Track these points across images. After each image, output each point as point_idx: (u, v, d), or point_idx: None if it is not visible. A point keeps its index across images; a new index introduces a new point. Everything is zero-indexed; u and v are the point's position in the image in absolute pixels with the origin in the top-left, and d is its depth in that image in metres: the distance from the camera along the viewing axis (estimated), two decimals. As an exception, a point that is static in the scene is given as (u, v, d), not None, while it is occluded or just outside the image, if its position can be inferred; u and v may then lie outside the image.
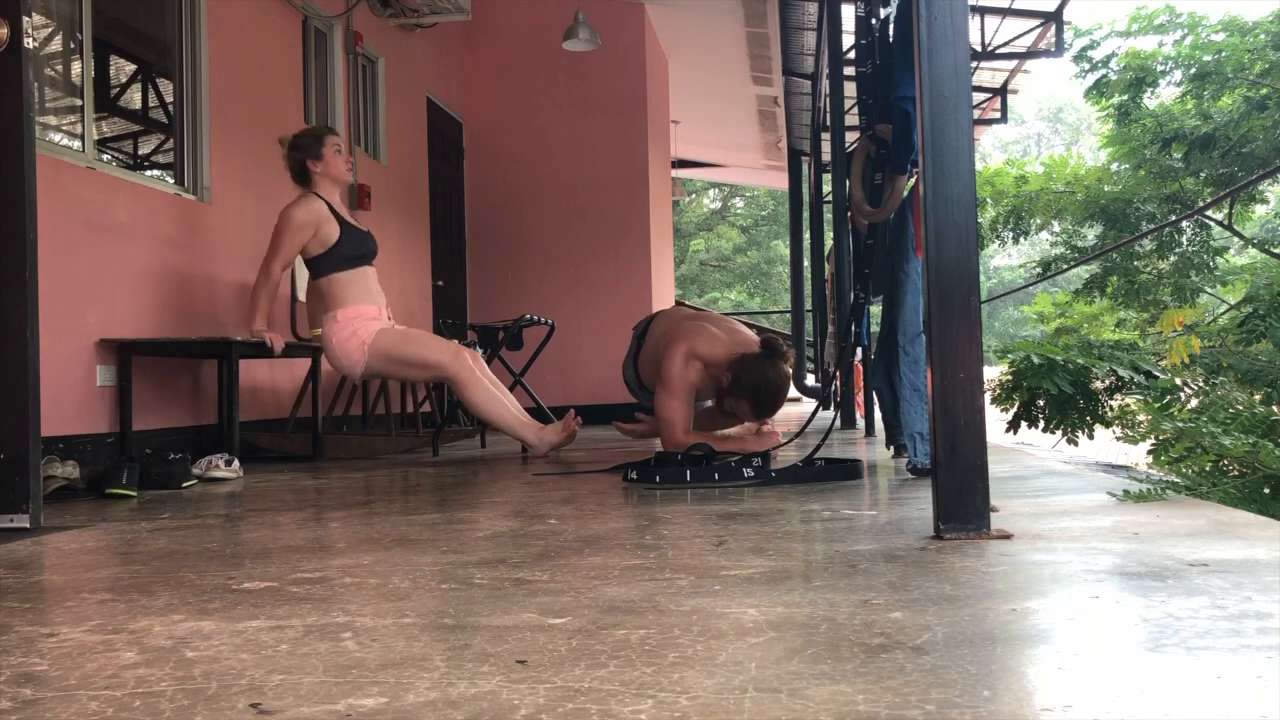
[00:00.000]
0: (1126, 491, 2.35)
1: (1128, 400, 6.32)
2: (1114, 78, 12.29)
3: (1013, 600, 1.38)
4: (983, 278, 9.37)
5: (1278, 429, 3.78)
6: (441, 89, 7.76)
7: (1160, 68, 12.28)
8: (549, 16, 7.89)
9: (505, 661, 1.15)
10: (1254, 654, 1.09)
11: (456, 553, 1.91)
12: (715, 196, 29.85)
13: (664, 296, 8.77)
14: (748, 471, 2.95)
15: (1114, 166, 13.70)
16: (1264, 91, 11.74)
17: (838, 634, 1.22)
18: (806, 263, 11.59)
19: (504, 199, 8.19)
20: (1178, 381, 4.71)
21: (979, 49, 7.80)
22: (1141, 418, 5.16)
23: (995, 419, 4.70)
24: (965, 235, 1.92)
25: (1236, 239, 13.63)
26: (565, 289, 8.10)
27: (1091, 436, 6.59)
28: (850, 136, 5.77)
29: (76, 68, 4.23)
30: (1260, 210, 15.36)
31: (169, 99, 4.89)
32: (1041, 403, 6.55)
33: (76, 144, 4.09)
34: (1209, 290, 12.96)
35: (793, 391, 10.18)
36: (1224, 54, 11.95)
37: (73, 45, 4.22)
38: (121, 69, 5.26)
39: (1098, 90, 12.44)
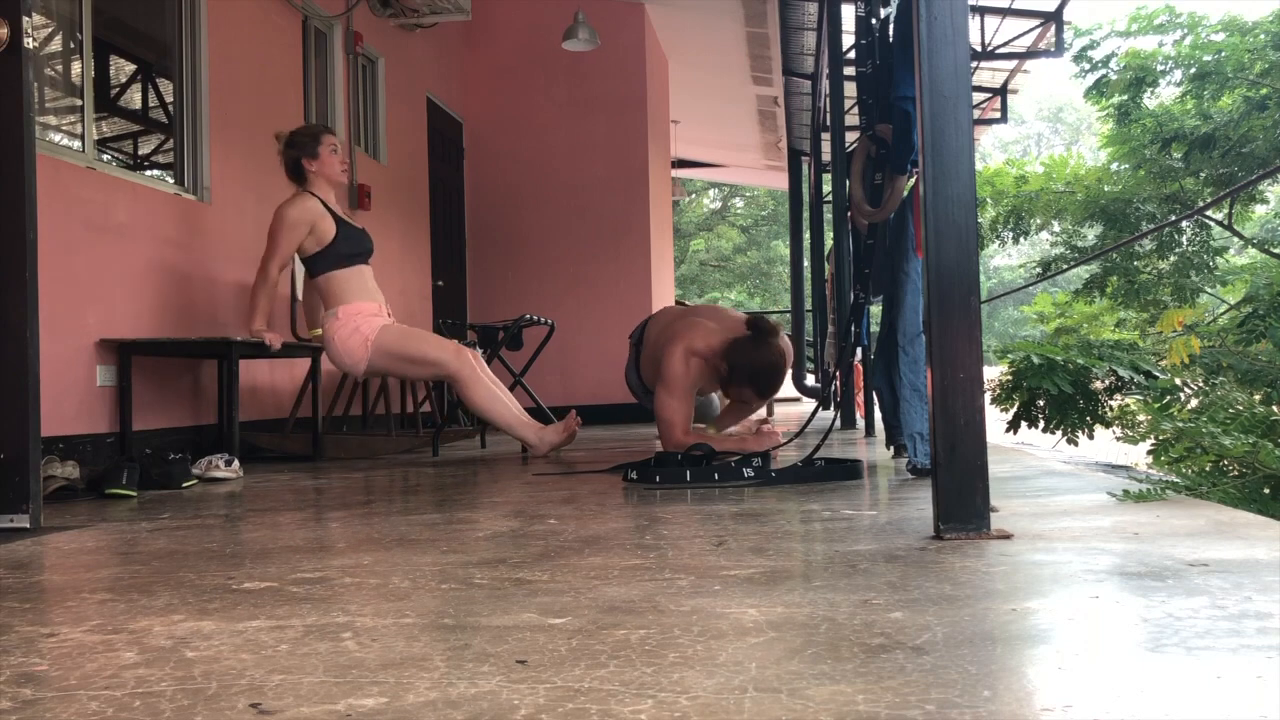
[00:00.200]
0: (1126, 491, 2.35)
1: (1128, 400, 6.33)
2: (1114, 78, 12.29)
3: (1013, 600, 1.38)
4: (983, 278, 9.38)
5: (1278, 429, 3.77)
6: (441, 89, 7.76)
7: (1160, 68, 12.28)
8: (549, 16, 7.89)
9: (505, 661, 1.15)
10: (1254, 654, 1.09)
11: (456, 553, 1.91)
12: (715, 196, 29.85)
13: (664, 296, 8.77)
14: (748, 471, 2.95)
15: (1114, 166, 13.70)
16: (1264, 91, 11.74)
17: (838, 634, 1.22)
18: (806, 263, 11.58)
19: (504, 199, 8.19)
20: (1178, 381, 4.71)
21: (979, 49, 7.80)
22: (1141, 418, 5.16)
23: (995, 419, 4.71)
24: (965, 235, 1.92)
25: (1236, 239, 13.63)
26: (565, 289, 8.10)
27: (1091, 436, 6.59)
28: (850, 136, 5.77)
29: (76, 68, 4.23)
30: (1260, 210, 15.36)
31: (169, 99, 4.89)
32: (1041, 403, 6.56)
33: (76, 144, 4.09)
34: (1209, 290, 12.96)
35: (793, 391, 10.19)
36: (1224, 54, 11.95)
37: (73, 45, 4.22)
38: (121, 69, 5.25)
39: (1098, 90, 12.44)
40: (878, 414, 4.04)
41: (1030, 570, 1.59)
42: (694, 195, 27.53)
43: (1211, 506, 2.24)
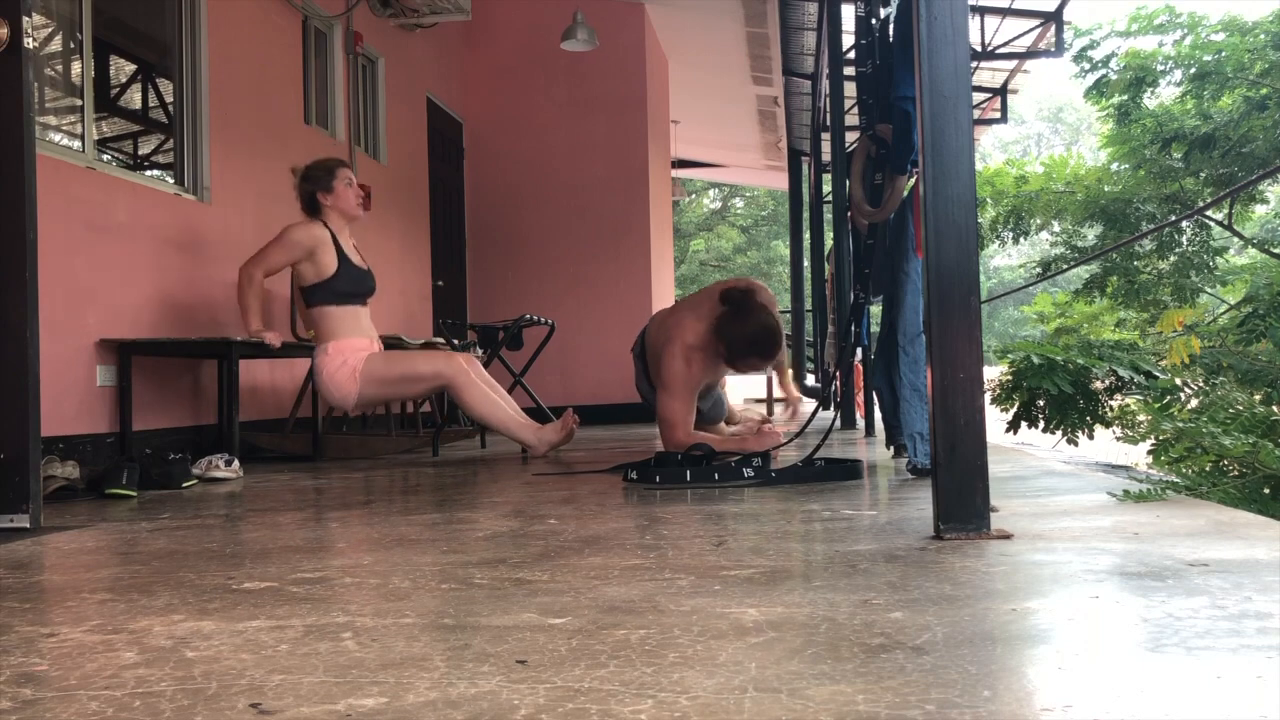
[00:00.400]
0: (1126, 491, 2.35)
1: (1128, 400, 6.33)
2: (1114, 78, 12.29)
3: (1013, 600, 1.38)
4: (983, 278, 9.35)
5: (1278, 429, 3.78)
6: (441, 89, 7.76)
7: (1160, 68, 12.28)
8: (549, 16, 7.89)
9: (505, 661, 1.15)
10: (1254, 654, 1.09)
11: (456, 553, 1.91)
12: (715, 196, 29.87)
13: (664, 296, 8.77)
14: (748, 471, 2.95)
15: (1114, 166, 13.70)
16: (1264, 91, 11.74)
17: (838, 634, 1.22)
18: (806, 263, 11.59)
19: (504, 199, 8.19)
20: (1178, 381, 4.71)
21: (979, 49, 7.81)
22: (1141, 418, 5.16)
23: (995, 419, 4.70)
24: (965, 235, 1.92)
25: (1236, 239, 13.62)
26: (565, 289, 8.10)
27: (1091, 436, 6.59)
28: (850, 136, 5.77)
29: (76, 68, 4.23)
30: (1260, 210, 15.36)
31: (169, 99, 4.89)
32: (1041, 403, 6.56)
33: (76, 144, 4.09)
34: (1209, 290, 12.96)
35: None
36: (1224, 54, 11.94)
37: (73, 45, 4.22)
38: (121, 69, 5.25)
39: (1098, 90, 12.43)
40: (878, 414, 4.04)
41: (1030, 570, 1.59)
42: (694, 195, 27.55)
43: (1211, 506, 2.24)
